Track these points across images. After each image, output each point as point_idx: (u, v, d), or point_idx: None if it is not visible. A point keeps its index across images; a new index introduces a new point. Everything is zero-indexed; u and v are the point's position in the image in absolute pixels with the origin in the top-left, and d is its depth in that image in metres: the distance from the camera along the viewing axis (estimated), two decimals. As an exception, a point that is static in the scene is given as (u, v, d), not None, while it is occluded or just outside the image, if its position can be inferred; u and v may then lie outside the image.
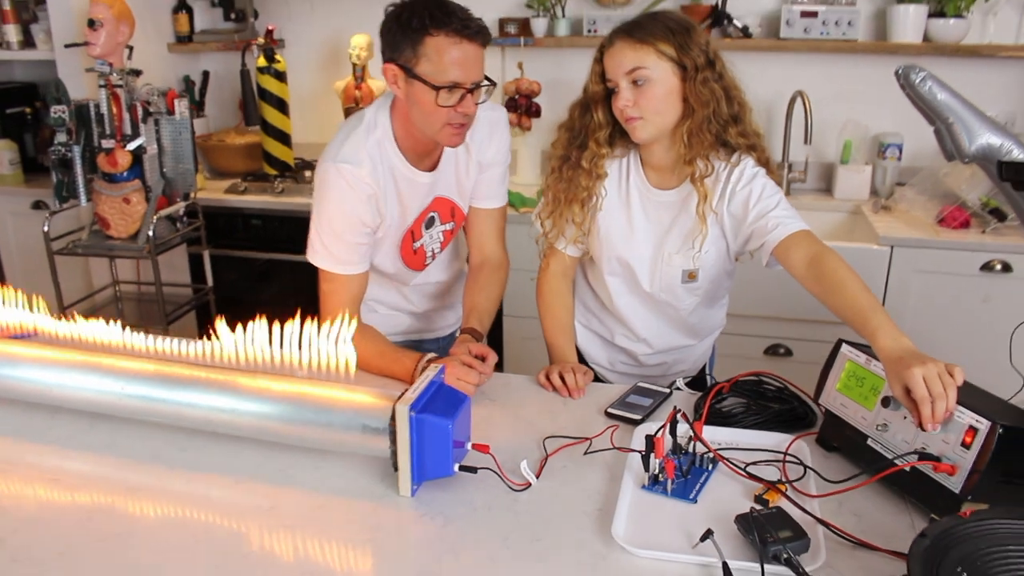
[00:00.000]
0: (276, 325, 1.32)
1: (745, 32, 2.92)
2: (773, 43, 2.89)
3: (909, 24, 2.75)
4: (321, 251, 1.66)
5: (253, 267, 3.13)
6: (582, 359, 1.84)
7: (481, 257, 1.85)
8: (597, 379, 1.75)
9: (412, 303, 1.95)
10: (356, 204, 1.62)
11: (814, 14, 2.79)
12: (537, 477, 1.27)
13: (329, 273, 1.67)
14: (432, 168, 1.72)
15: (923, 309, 2.54)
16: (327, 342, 1.31)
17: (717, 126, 1.57)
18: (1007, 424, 1.08)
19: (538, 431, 1.41)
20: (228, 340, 1.35)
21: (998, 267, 2.48)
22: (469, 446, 1.28)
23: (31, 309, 1.54)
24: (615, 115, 1.59)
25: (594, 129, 1.63)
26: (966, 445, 1.10)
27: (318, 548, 1.14)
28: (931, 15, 2.76)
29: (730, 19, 2.91)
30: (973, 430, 1.10)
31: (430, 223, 1.79)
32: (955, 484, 1.10)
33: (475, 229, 1.85)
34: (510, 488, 1.25)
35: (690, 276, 1.67)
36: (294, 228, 3.03)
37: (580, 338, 1.83)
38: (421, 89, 1.52)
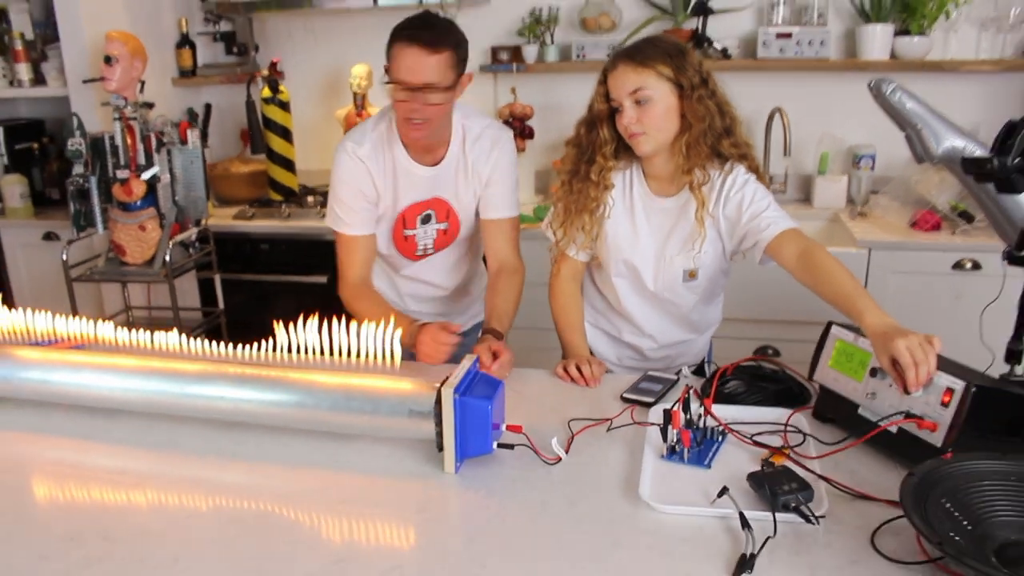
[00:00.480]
0: (326, 324, 1.46)
1: (724, 54, 3.11)
2: (751, 63, 3.09)
3: (877, 42, 2.95)
4: (330, 214, 1.97)
5: (262, 290, 3.26)
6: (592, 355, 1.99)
7: (498, 264, 2.01)
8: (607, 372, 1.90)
9: (403, 300, 2.12)
10: (355, 175, 1.90)
11: (788, 35, 2.99)
12: (566, 452, 1.41)
13: (337, 232, 1.96)
14: (433, 164, 1.92)
15: (901, 306, 2.71)
16: (373, 338, 1.45)
17: (712, 138, 1.73)
18: (979, 384, 1.24)
19: (562, 415, 1.56)
20: (281, 339, 1.49)
21: (968, 265, 2.66)
22: (504, 427, 1.42)
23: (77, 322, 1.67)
24: (619, 131, 1.75)
25: (600, 144, 1.79)
26: (944, 404, 1.26)
27: (374, 522, 1.27)
28: (897, 33, 2.96)
29: (710, 42, 3.10)
30: (950, 391, 1.26)
31: (426, 219, 1.98)
32: (936, 439, 1.26)
33: (489, 238, 2.02)
34: (543, 462, 1.39)
35: (690, 275, 1.83)
36: (301, 251, 3.17)
37: (589, 336, 1.98)
38: (389, 87, 1.79)
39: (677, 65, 1.68)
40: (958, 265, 2.67)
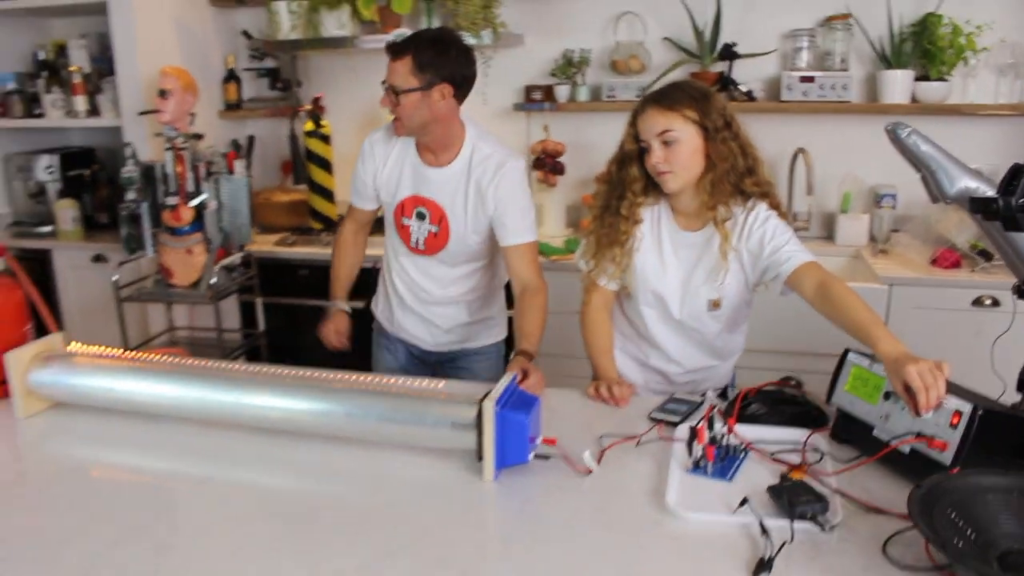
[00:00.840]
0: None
1: (749, 96, 3.22)
2: (775, 105, 3.20)
3: (897, 87, 3.06)
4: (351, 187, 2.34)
5: (301, 313, 3.39)
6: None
7: (521, 286, 2.14)
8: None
9: (402, 288, 2.33)
10: (364, 155, 2.26)
11: (812, 79, 3.10)
12: (598, 464, 1.51)
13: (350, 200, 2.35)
14: (436, 166, 2.15)
15: (921, 340, 2.77)
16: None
17: (735, 177, 1.85)
18: (986, 407, 1.33)
19: (593, 432, 1.66)
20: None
21: (988, 302, 2.74)
22: (539, 440, 1.52)
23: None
24: (648, 169, 1.87)
25: (631, 182, 1.91)
26: (953, 426, 1.35)
27: (418, 523, 1.36)
28: (917, 79, 3.07)
29: (736, 84, 3.22)
30: (959, 413, 1.35)
31: (420, 215, 2.19)
32: (945, 458, 1.35)
33: (511, 263, 2.16)
34: (576, 473, 1.49)
35: (714, 305, 1.93)
36: (339, 277, 3.30)
37: (619, 362, 2.07)
38: None
39: (702, 109, 1.80)
40: (977, 302, 2.75)
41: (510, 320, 2.35)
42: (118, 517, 1.39)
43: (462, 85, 2.08)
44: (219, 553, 1.27)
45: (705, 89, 1.86)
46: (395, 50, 2.02)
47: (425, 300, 2.30)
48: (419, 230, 2.20)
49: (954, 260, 2.84)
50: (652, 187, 1.92)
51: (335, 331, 2.36)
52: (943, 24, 3.00)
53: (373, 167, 2.24)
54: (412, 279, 2.29)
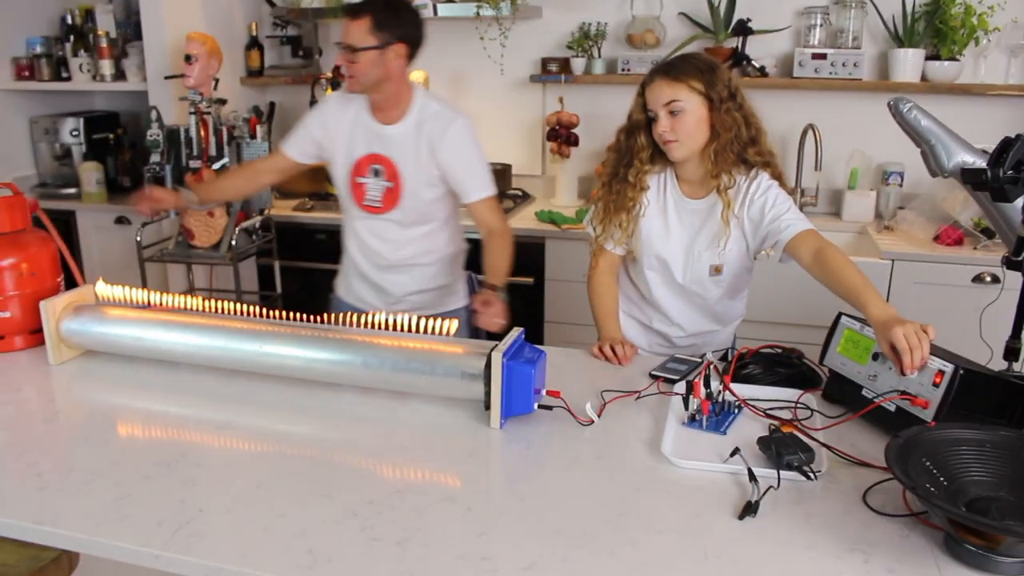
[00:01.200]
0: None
1: (762, 72, 3.27)
2: (787, 82, 3.25)
3: (908, 66, 3.10)
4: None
5: (317, 276, 3.48)
6: None
7: (487, 230, 2.33)
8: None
9: (356, 254, 2.43)
10: (316, 112, 2.38)
11: (823, 56, 3.15)
12: (599, 416, 1.59)
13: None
14: (387, 123, 2.27)
15: (921, 314, 2.84)
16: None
17: (738, 147, 1.91)
18: (966, 368, 1.40)
19: (596, 387, 1.74)
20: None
21: (988, 279, 2.79)
22: (544, 392, 1.60)
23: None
24: (655, 138, 1.94)
25: (638, 150, 1.97)
26: (936, 384, 1.43)
27: (428, 464, 1.46)
28: (928, 58, 3.11)
29: (749, 60, 3.27)
30: (941, 372, 1.42)
31: (376, 173, 2.29)
32: (928, 415, 1.43)
33: (476, 216, 2.34)
34: (578, 423, 1.57)
35: (716, 270, 2.01)
36: (355, 242, 3.38)
37: (623, 324, 2.15)
38: None
39: (708, 80, 1.86)
40: (978, 278, 2.80)
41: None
42: (145, 454, 1.48)
43: (415, 46, 2.24)
44: (240, 486, 1.36)
45: (712, 61, 1.92)
46: (354, 10, 2.16)
47: (379, 265, 2.40)
48: (375, 187, 2.31)
49: (957, 237, 2.90)
50: (659, 155, 1.98)
51: (150, 196, 2.45)
52: (956, 4, 3.03)
53: (323, 121, 2.34)
54: (365, 243, 2.39)
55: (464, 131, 2.27)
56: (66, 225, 3.77)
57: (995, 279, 2.79)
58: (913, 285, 2.86)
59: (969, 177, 1.52)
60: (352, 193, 2.35)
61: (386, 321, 1.69)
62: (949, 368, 1.41)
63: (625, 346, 1.92)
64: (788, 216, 1.89)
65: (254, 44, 3.86)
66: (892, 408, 1.50)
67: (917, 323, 1.48)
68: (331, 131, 2.34)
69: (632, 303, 2.18)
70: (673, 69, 1.89)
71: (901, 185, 3.24)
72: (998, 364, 1.74)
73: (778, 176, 1.98)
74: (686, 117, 1.87)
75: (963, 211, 2.93)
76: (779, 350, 1.83)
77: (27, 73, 3.86)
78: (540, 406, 1.58)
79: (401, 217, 2.33)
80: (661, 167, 2.02)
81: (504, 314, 2.04)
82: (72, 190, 3.87)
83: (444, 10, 3.36)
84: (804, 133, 3.28)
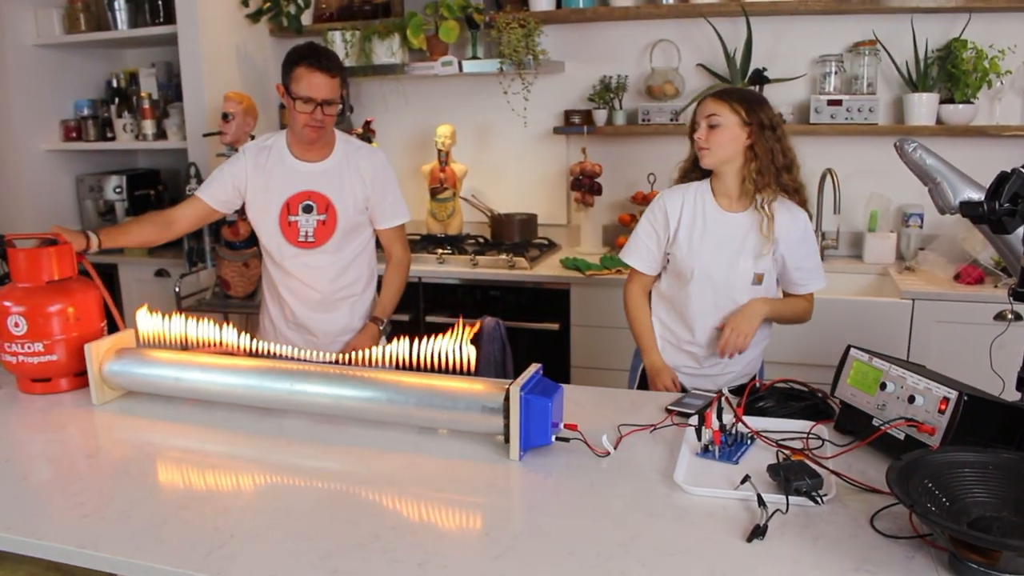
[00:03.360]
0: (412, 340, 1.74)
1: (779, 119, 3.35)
2: (804, 127, 3.32)
3: (923, 109, 3.16)
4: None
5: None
6: None
7: (394, 259, 2.61)
8: None
9: (283, 295, 2.52)
10: (245, 160, 2.46)
11: (839, 102, 3.22)
12: (615, 448, 1.65)
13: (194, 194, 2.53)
14: (314, 161, 2.43)
15: (943, 353, 2.87)
16: (449, 346, 1.73)
17: (775, 170, 2.12)
18: (970, 395, 1.44)
19: (613, 421, 1.79)
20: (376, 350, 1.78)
21: (1010, 316, 2.81)
22: (562, 425, 1.66)
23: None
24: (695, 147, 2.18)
25: (688, 157, 2.26)
26: (941, 411, 1.46)
27: (449, 494, 1.52)
28: (942, 101, 3.17)
29: (766, 108, 3.35)
30: (946, 400, 1.46)
31: (307, 209, 2.43)
32: (934, 441, 1.46)
33: (388, 242, 2.60)
34: (594, 455, 1.63)
35: (758, 279, 2.17)
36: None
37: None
38: (293, 100, 2.32)
39: (750, 107, 2.11)
40: (1000, 316, 2.82)
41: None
42: (181, 487, 1.56)
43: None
44: (270, 514, 1.42)
45: (760, 96, 2.19)
46: (333, 69, 2.32)
47: (313, 302, 2.51)
48: (307, 223, 2.43)
49: (977, 276, 2.93)
50: (696, 167, 2.23)
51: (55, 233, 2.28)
52: (967, 48, 3.10)
53: (243, 170, 2.44)
54: (299, 280, 2.49)
55: (386, 161, 2.53)
56: (109, 278, 3.92)
57: (1018, 316, 2.80)
58: (934, 324, 2.88)
59: (967, 210, 1.58)
60: (284, 233, 2.44)
61: (408, 358, 1.76)
62: (953, 395, 1.45)
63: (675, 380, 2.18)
64: (808, 275, 2.22)
65: (289, 102, 4.02)
66: (901, 436, 1.53)
67: (755, 319, 2.08)
68: (252, 178, 2.44)
69: (665, 326, 2.30)
70: (722, 93, 2.17)
71: (921, 226, 3.28)
72: (1011, 395, 1.76)
73: (803, 203, 2.20)
74: (721, 131, 2.10)
75: (983, 250, 2.96)
76: (804, 387, 1.87)
77: (74, 134, 4.05)
78: (558, 438, 1.63)
79: (336, 247, 2.47)
80: (699, 183, 2.22)
81: (371, 339, 2.45)
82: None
83: (469, 67, 3.50)
84: (823, 178, 3.34)
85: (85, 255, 2.20)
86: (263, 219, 2.46)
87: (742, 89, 2.18)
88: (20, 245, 2.05)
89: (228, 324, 2.04)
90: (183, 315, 2.00)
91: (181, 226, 2.54)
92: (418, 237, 3.79)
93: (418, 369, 1.76)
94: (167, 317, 1.99)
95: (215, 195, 2.48)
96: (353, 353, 1.81)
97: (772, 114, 2.13)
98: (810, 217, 2.22)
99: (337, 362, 1.82)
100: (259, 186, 2.44)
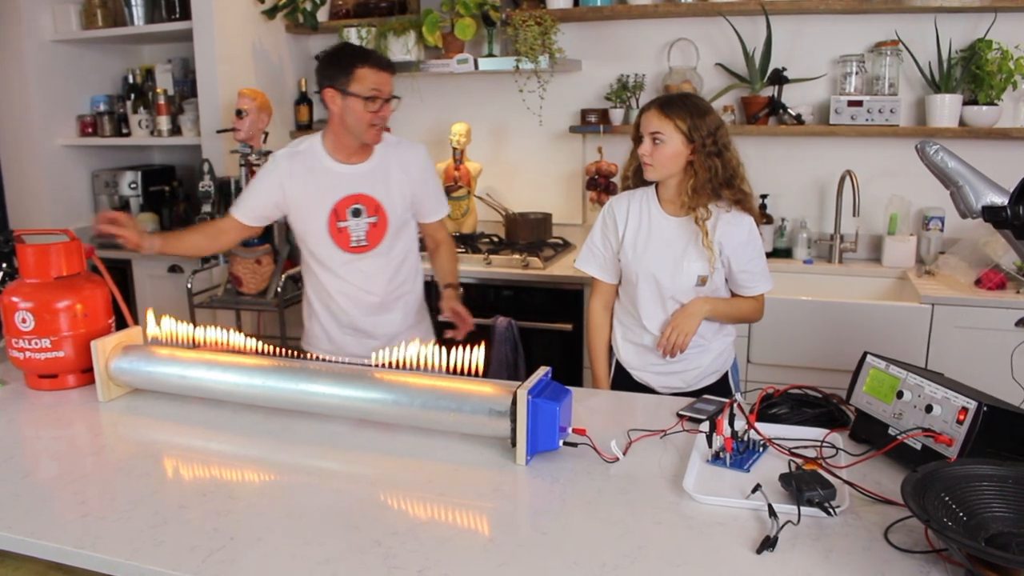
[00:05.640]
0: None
1: (799, 120, 3.30)
2: (824, 129, 3.27)
3: (946, 111, 3.10)
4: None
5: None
6: (622, 368, 2.36)
7: (435, 244, 2.62)
8: (635, 383, 2.32)
9: (334, 299, 2.46)
10: (278, 172, 2.38)
11: (860, 103, 3.17)
12: (624, 454, 1.61)
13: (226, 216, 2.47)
14: (356, 163, 2.37)
15: (964, 359, 2.82)
16: (459, 352, 1.70)
17: (713, 187, 2.12)
18: (990, 405, 1.40)
19: (623, 426, 1.76)
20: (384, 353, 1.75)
21: (1032, 323, 2.76)
22: (570, 430, 1.63)
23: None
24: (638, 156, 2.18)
25: (630, 162, 2.25)
26: (960, 422, 1.42)
27: (455, 497, 1.49)
28: (966, 103, 3.11)
29: (785, 108, 3.30)
30: (965, 410, 1.42)
31: (356, 212, 2.37)
32: (952, 452, 1.42)
33: (431, 234, 2.61)
34: (603, 460, 1.59)
35: (702, 280, 2.18)
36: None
37: (622, 350, 2.34)
38: (353, 102, 2.25)
39: (693, 124, 2.09)
40: (1021, 322, 2.76)
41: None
42: (183, 486, 1.54)
43: None
44: (271, 516, 1.40)
45: (704, 107, 2.14)
46: (391, 65, 2.33)
47: (370, 306, 2.46)
48: (358, 227, 2.38)
49: (999, 281, 2.87)
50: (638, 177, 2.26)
51: (114, 217, 2.28)
52: (992, 49, 3.04)
53: (279, 182, 2.37)
54: (354, 286, 2.44)
55: (427, 155, 2.51)
56: (122, 273, 3.93)
57: (1040, 324, 2.75)
58: (954, 329, 2.82)
59: (990, 215, 1.53)
60: (335, 240, 2.38)
61: (417, 359, 1.73)
62: (973, 405, 1.41)
63: None
64: (754, 279, 2.23)
65: (303, 99, 4.01)
66: (918, 446, 1.49)
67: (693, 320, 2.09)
68: (291, 188, 2.37)
69: (627, 328, 2.32)
70: (667, 106, 2.13)
71: (942, 230, 3.22)
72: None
73: (751, 211, 2.18)
74: (664, 148, 2.11)
75: (1005, 255, 2.90)
76: (818, 394, 1.83)
77: (90, 130, 4.06)
78: (566, 443, 1.60)
79: (387, 248, 2.43)
80: (643, 189, 2.25)
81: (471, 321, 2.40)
82: (129, 240, 4.02)
83: (485, 64, 3.47)
84: (842, 180, 3.29)
85: (142, 249, 2.28)
86: (309, 227, 2.39)
87: (686, 99, 2.14)
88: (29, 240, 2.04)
89: (240, 331, 2.02)
90: (190, 323, 1.98)
91: (226, 239, 2.51)
92: (432, 236, 3.77)
93: (427, 370, 1.73)
94: (175, 322, 1.98)
95: (252, 212, 2.43)
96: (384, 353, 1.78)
97: (715, 125, 2.12)
98: (756, 219, 2.21)
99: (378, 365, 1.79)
100: (300, 194, 2.37)
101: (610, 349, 2.38)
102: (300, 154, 2.38)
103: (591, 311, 2.38)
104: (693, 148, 2.10)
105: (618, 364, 2.36)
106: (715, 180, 2.11)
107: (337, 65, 2.27)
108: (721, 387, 2.29)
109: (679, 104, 2.12)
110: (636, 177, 2.25)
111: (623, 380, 2.34)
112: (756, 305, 2.27)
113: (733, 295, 2.25)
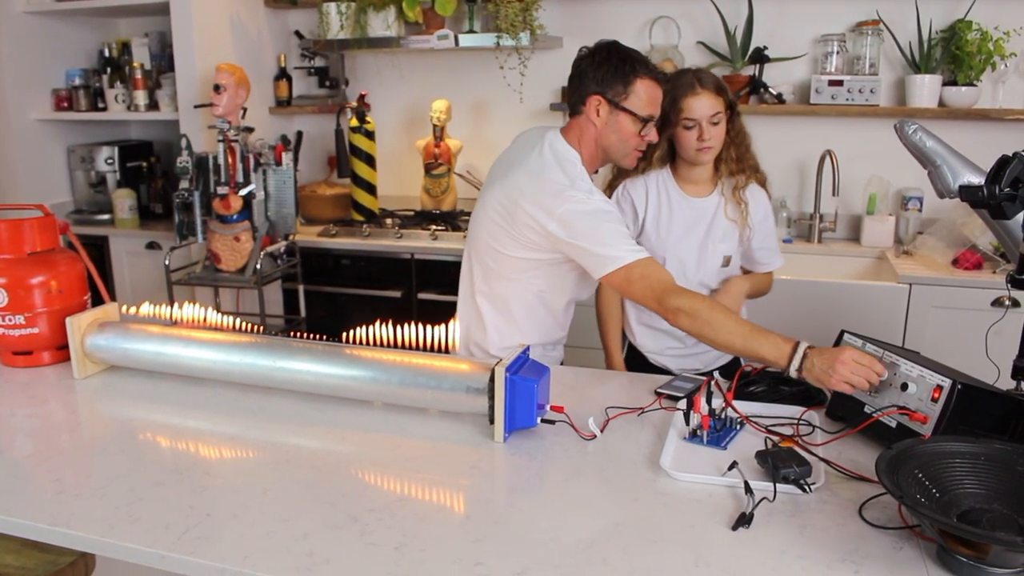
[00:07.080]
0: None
1: (779, 99, 3.30)
2: (804, 108, 3.27)
3: (925, 91, 3.11)
4: (620, 253, 1.84)
5: (341, 301, 3.55)
6: (637, 351, 2.32)
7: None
8: (650, 365, 2.30)
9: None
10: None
11: (840, 83, 3.17)
12: (601, 431, 1.62)
13: (633, 263, 1.83)
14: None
15: (939, 338, 2.85)
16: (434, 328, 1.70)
17: (739, 153, 2.13)
18: (964, 383, 1.41)
19: (601, 404, 1.76)
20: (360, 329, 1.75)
21: (1007, 303, 2.78)
22: (548, 407, 1.63)
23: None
24: (681, 144, 2.10)
25: (654, 148, 2.13)
26: (934, 400, 1.43)
27: (432, 475, 1.49)
28: (945, 84, 3.12)
29: (766, 87, 3.30)
30: (939, 388, 1.43)
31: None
32: (927, 430, 1.43)
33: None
34: (580, 438, 1.60)
35: (727, 261, 2.16)
36: (378, 267, 3.45)
37: (637, 334, 2.29)
38: (624, 118, 1.91)
39: (726, 91, 2.12)
40: (997, 302, 2.79)
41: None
42: (159, 463, 1.53)
43: None
44: (247, 493, 1.40)
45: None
46: (715, 84, 2.10)
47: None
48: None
49: (976, 261, 2.89)
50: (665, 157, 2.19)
51: None
52: (972, 30, 3.05)
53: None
54: None
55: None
56: (99, 250, 3.89)
57: (1016, 303, 2.77)
58: (931, 309, 2.85)
59: (966, 194, 1.54)
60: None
61: (392, 337, 1.73)
62: (947, 383, 1.42)
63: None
64: (768, 254, 2.25)
65: (283, 75, 3.97)
66: (893, 424, 1.51)
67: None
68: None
69: (642, 311, 2.27)
70: (716, 85, 2.09)
71: (920, 210, 3.24)
72: (1006, 383, 1.74)
73: (763, 182, 2.20)
74: (721, 128, 2.09)
75: (982, 235, 2.93)
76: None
77: (66, 104, 3.99)
78: (543, 420, 1.60)
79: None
80: (658, 167, 2.19)
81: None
82: (106, 216, 3.99)
83: (465, 40, 3.44)
84: (822, 159, 3.30)
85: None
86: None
87: (713, 75, 2.12)
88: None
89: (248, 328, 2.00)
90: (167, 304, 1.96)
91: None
92: (411, 213, 3.75)
93: (404, 348, 1.73)
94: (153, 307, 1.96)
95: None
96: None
97: (732, 93, 2.15)
98: (766, 187, 2.23)
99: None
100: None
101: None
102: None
103: (602, 297, 2.31)
104: (730, 116, 2.11)
105: (631, 347, 2.33)
106: (742, 147, 2.13)
107: (617, 71, 1.90)
108: (733, 365, 2.26)
109: (717, 80, 2.10)
110: (660, 162, 2.18)
111: (637, 363, 2.31)
112: (770, 281, 2.31)
113: (744, 272, 2.26)
